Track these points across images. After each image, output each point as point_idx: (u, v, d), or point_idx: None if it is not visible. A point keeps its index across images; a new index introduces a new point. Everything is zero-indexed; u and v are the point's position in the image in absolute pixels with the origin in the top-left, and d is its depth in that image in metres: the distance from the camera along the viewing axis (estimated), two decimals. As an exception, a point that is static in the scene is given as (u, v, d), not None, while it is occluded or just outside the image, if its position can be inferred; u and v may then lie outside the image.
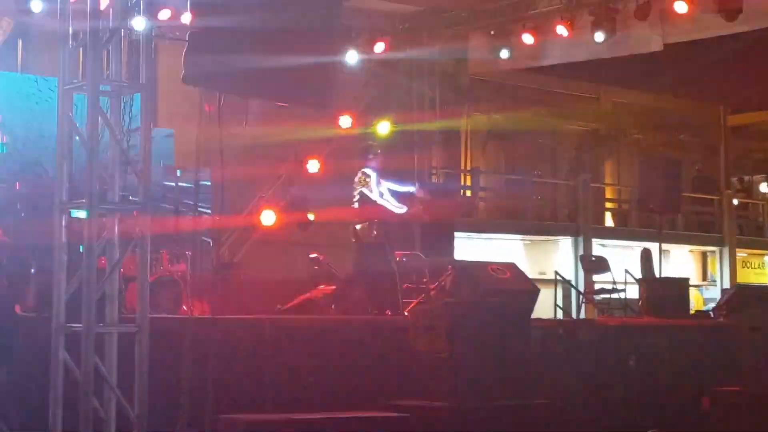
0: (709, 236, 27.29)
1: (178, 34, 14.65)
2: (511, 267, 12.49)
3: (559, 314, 16.62)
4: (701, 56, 19.81)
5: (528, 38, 17.03)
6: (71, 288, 8.30)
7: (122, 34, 8.85)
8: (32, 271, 10.61)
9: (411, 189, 13.33)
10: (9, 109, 14.74)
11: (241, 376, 10.02)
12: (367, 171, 13.05)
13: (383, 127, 18.50)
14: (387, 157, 13.76)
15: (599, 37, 16.14)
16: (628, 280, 16.34)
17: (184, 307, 11.96)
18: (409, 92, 19.21)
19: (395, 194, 13.13)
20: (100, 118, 8.35)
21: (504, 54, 17.41)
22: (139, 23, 8.90)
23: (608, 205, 27.64)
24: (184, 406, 9.47)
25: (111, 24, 8.61)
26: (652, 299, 14.78)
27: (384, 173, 13.15)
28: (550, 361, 11.56)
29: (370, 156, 13.24)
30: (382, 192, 12.97)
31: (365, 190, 12.88)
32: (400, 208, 13.03)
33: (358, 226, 13.20)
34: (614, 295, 16.39)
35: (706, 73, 23.09)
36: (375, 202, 12.88)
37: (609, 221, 27.02)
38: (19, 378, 8.99)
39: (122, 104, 8.96)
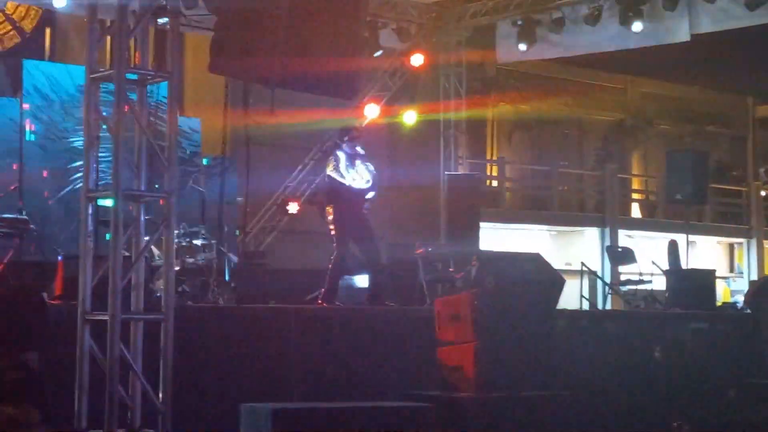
0: (736, 227, 27.17)
1: (204, 23, 14.66)
2: (537, 257, 12.46)
3: (585, 305, 16.58)
4: (729, 46, 19.68)
5: (555, 28, 16.97)
6: (97, 276, 8.34)
7: (149, 23, 8.86)
8: (59, 258, 10.67)
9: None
10: (40, 97, 14.80)
11: (265, 365, 10.04)
12: (338, 154, 12.53)
13: (410, 117, 18.52)
14: (408, 144, 13.55)
15: (628, 23, 16.08)
16: (654, 272, 16.27)
17: (210, 296, 11.99)
18: (435, 82, 19.19)
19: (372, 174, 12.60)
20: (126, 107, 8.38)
21: (530, 44, 17.37)
22: (161, 18, 8.92)
23: (635, 195, 27.58)
24: (209, 394, 9.52)
25: (138, 13, 8.63)
26: (678, 291, 14.71)
27: (361, 155, 12.49)
28: (575, 353, 11.52)
29: (345, 138, 12.63)
30: (350, 171, 12.37)
31: (333, 174, 12.33)
32: (368, 184, 12.40)
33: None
34: (640, 287, 16.33)
35: (734, 63, 22.95)
36: (341, 185, 12.35)
37: (636, 212, 26.94)
38: (48, 366, 9.03)
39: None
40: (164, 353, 8.35)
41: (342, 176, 12.18)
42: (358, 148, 12.32)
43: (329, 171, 12.27)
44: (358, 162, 12.24)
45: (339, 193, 12.19)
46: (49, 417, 4.36)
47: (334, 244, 12.29)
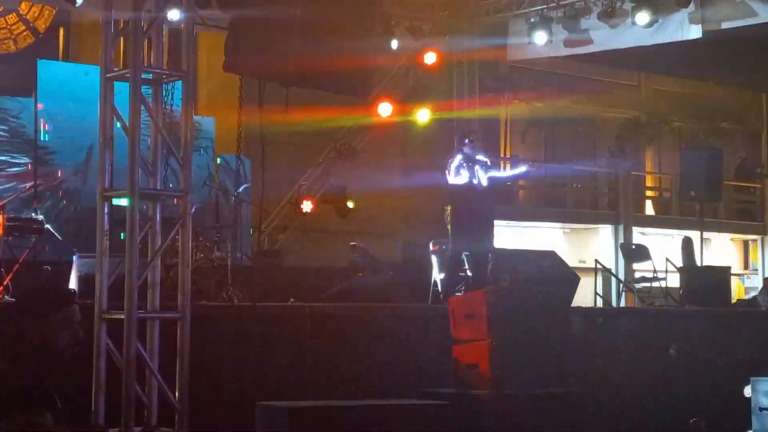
0: (750, 224, 27.10)
1: (218, 22, 14.68)
2: (552, 255, 12.45)
3: (599, 303, 16.56)
4: (744, 43, 19.62)
5: (568, 25, 16.95)
6: (113, 275, 8.36)
7: (163, 22, 8.87)
8: (74, 258, 10.71)
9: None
10: (54, 97, 14.81)
11: (281, 364, 10.06)
12: (457, 155, 12.93)
13: (423, 115, 18.49)
14: (422, 142, 13.64)
15: (641, 20, 16.03)
16: (668, 269, 16.25)
17: (225, 295, 12.01)
18: (448, 80, 19.17)
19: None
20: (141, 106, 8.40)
21: (544, 41, 17.34)
22: (176, 14, 8.94)
23: (649, 193, 27.50)
24: (225, 392, 9.54)
25: (152, 12, 8.65)
26: (693, 288, 14.70)
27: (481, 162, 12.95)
28: (589, 350, 11.52)
29: (466, 141, 13.05)
30: (461, 171, 12.76)
31: (446, 173, 12.83)
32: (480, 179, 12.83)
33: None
34: (655, 284, 16.31)
35: (748, 60, 22.88)
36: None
37: (650, 209, 26.89)
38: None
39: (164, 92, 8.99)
40: (180, 352, 8.37)
41: (449, 173, 12.67)
42: (480, 156, 12.69)
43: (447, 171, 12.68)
44: (477, 167, 12.57)
45: (454, 193, 12.53)
46: (58, 417, 4.39)
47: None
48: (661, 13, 16.19)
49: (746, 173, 27.01)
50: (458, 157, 12.78)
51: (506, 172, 13.32)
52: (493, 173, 12.93)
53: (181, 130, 8.61)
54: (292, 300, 12.11)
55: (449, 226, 12.94)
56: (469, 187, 12.75)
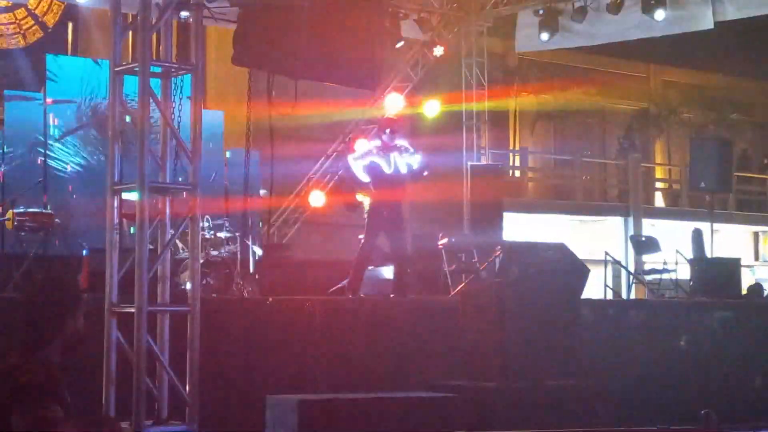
0: (761, 216, 27.05)
1: (227, 16, 14.69)
2: (561, 247, 12.43)
3: (609, 294, 16.54)
4: (753, 34, 19.59)
5: (577, 17, 16.91)
6: (123, 268, 8.37)
7: (172, 16, 8.87)
8: (84, 252, 10.72)
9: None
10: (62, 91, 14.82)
11: (290, 356, 10.06)
12: (368, 142, 12.47)
13: (432, 107, 18.49)
14: (431, 135, 13.47)
15: (652, 14, 16.00)
16: (678, 261, 16.22)
17: (234, 288, 12.02)
18: (457, 72, 19.16)
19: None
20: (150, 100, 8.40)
21: (552, 33, 17.31)
22: (184, 12, 8.94)
23: (658, 184, 27.48)
24: (235, 385, 9.55)
25: (161, 6, 8.65)
26: (703, 279, 14.66)
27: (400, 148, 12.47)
28: (599, 342, 11.50)
29: (387, 131, 12.50)
30: (369, 159, 12.26)
31: (349, 159, 12.29)
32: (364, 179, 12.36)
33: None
34: (665, 276, 16.28)
35: (757, 50, 22.84)
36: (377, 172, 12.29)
37: (659, 201, 26.86)
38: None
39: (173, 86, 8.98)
40: (191, 345, 8.38)
41: (353, 161, 12.12)
42: (399, 142, 12.25)
43: (348, 157, 12.29)
44: (394, 154, 12.08)
45: (371, 181, 12.16)
46: (68, 411, 4.41)
47: (362, 235, 12.23)
48: (672, 3, 16.17)
49: (748, 164, 27.00)
50: (365, 147, 12.20)
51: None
52: (411, 160, 12.28)
53: (190, 124, 8.61)
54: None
55: (366, 215, 12.37)
56: (385, 177, 12.22)
